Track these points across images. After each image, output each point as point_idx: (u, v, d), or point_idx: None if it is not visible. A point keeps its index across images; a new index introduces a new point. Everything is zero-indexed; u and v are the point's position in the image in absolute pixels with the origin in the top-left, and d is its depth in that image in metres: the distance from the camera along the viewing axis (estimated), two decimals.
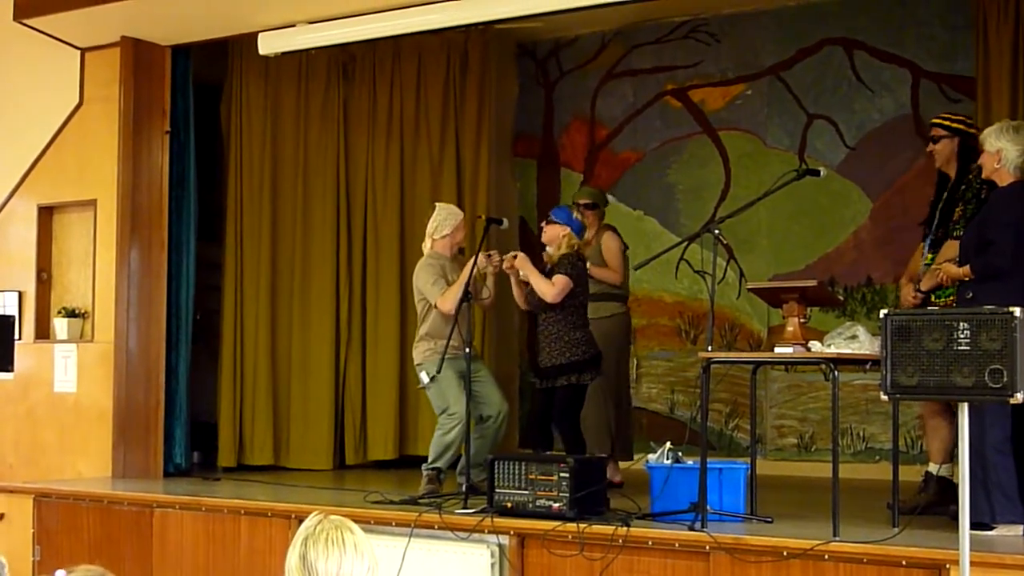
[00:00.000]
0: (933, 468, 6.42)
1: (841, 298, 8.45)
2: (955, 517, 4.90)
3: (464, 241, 7.83)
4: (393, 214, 9.65)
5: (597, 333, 7.51)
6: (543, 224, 7.34)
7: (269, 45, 8.41)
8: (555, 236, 7.20)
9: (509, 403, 7.84)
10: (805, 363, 6.46)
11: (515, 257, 7.25)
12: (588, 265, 7.84)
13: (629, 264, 8.27)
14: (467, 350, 7.02)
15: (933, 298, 6.32)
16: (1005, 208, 5.80)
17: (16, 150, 9.20)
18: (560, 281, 7.04)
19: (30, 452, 8.93)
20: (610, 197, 9.75)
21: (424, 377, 7.46)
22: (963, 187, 6.41)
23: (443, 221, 7.67)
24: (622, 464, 8.04)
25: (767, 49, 9.54)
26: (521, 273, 7.24)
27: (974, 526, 4.96)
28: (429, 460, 7.43)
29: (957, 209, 6.39)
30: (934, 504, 6.19)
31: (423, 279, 7.56)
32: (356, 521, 6.55)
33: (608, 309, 8.14)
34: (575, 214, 7.56)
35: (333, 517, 3.17)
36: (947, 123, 6.57)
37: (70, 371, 8.82)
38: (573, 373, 7.10)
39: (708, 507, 5.81)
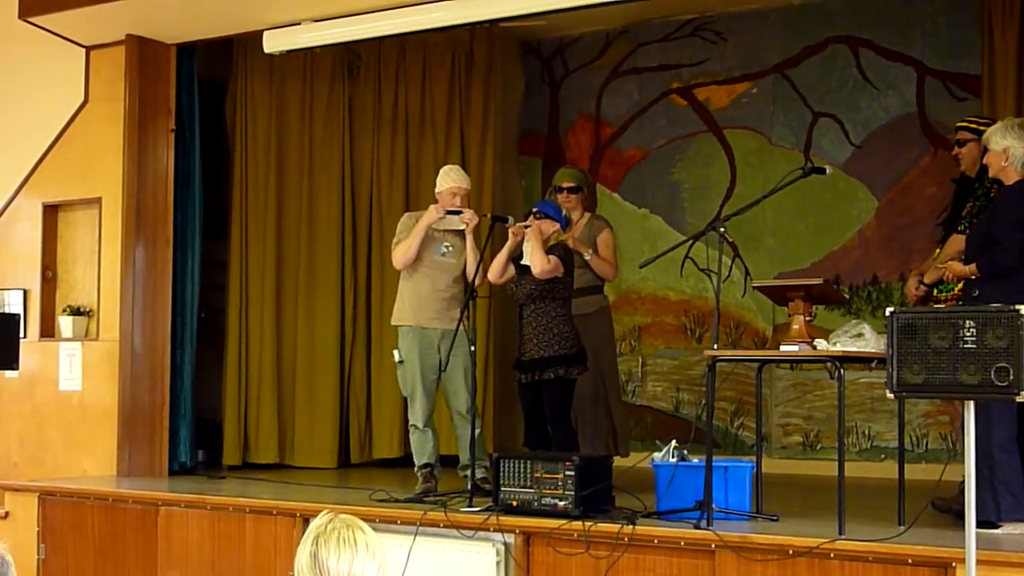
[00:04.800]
0: None
1: (847, 296, 8.46)
2: (960, 515, 4.89)
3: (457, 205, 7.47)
4: (398, 212, 9.59)
5: (587, 329, 7.46)
6: (532, 217, 7.17)
7: (274, 43, 8.41)
8: (547, 232, 7.15)
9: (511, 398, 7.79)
10: (811, 361, 6.45)
11: (527, 227, 7.13)
12: (590, 255, 7.80)
13: None
14: (471, 348, 7.00)
15: (936, 291, 6.32)
16: (1011, 206, 5.78)
17: (21, 148, 9.20)
18: (554, 259, 6.99)
19: (35, 450, 8.93)
20: (615, 195, 9.75)
21: (396, 355, 7.45)
22: (976, 183, 6.40)
23: (439, 179, 7.60)
24: (620, 461, 7.90)
25: (772, 47, 9.54)
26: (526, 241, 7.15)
27: (980, 524, 4.95)
28: (415, 459, 7.42)
29: (968, 205, 6.39)
30: None
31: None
32: (361, 520, 6.52)
33: (594, 303, 8.02)
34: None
35: (344, 516, 3.14)
36: (973, 125, 6.55)
37: (75, 369, 8.82)
38: (561, 366, 7.00)
39: (714, 505, 5.80)
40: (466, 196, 7.54)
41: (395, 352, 7.46)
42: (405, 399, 9.28)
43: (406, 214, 7.80)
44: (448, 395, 7.40)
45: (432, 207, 7.44)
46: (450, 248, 7.47)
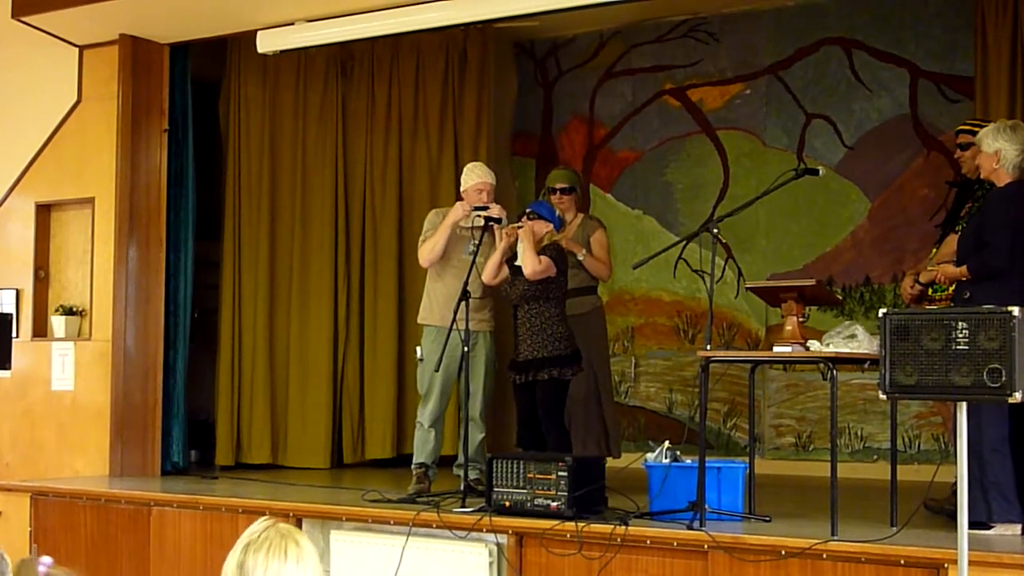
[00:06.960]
0: None
1: (839, 297, 8.46)
2: (953, 516, 4.90)
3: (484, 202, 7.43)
4: (391, 213, 9.64)
5: (581, 330, 7.45)
6: (525, 218, 7.16)
7: (268, 43, 8.41)
8: (539, 232, 7.14)
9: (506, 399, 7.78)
10: (803, 362, 6.46)
11: (520, 227, 7.09)
12: (584, 255, 7.80)
13: None
14: (464, 348, 6.98)
15: (931, 291, 6.33)
16: (1002, 208, 5.79)
17: (14, 148, 9.19)
18: (546, 260, 6.99)
19: (27, 450, 8.92)
20: (609, 196, 9.75)
21: (418, 352, 7.39)
22: (976, 186, 6.41)
23: (463, 177, 7.55)
24: (613, 462, 7.86)
25: (766, 48, 9.54)
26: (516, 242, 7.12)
27: (972, 525, 4.95)
28: (414, 457, 7.41)
29: (967, 205, 6.40)
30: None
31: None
32: (354, 520, 6.51)
33: (588, 304, 8.00)
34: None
35: (281, 525, 3.01)
36: (977, 129, 6.54)
37: (68, 369, 8.81)
38: (555, 367, 6.99)
39: (706, 506, 5.81)
40: (492, 191, 7.47)
41: (417, 349, 7.42)
42: (400, 398, 9.41)
43: (432, 211, 7.72)
44: (463, 396, 7.34)
45: (458, 204, 7.38)
46: (478, 246, 7.43)
